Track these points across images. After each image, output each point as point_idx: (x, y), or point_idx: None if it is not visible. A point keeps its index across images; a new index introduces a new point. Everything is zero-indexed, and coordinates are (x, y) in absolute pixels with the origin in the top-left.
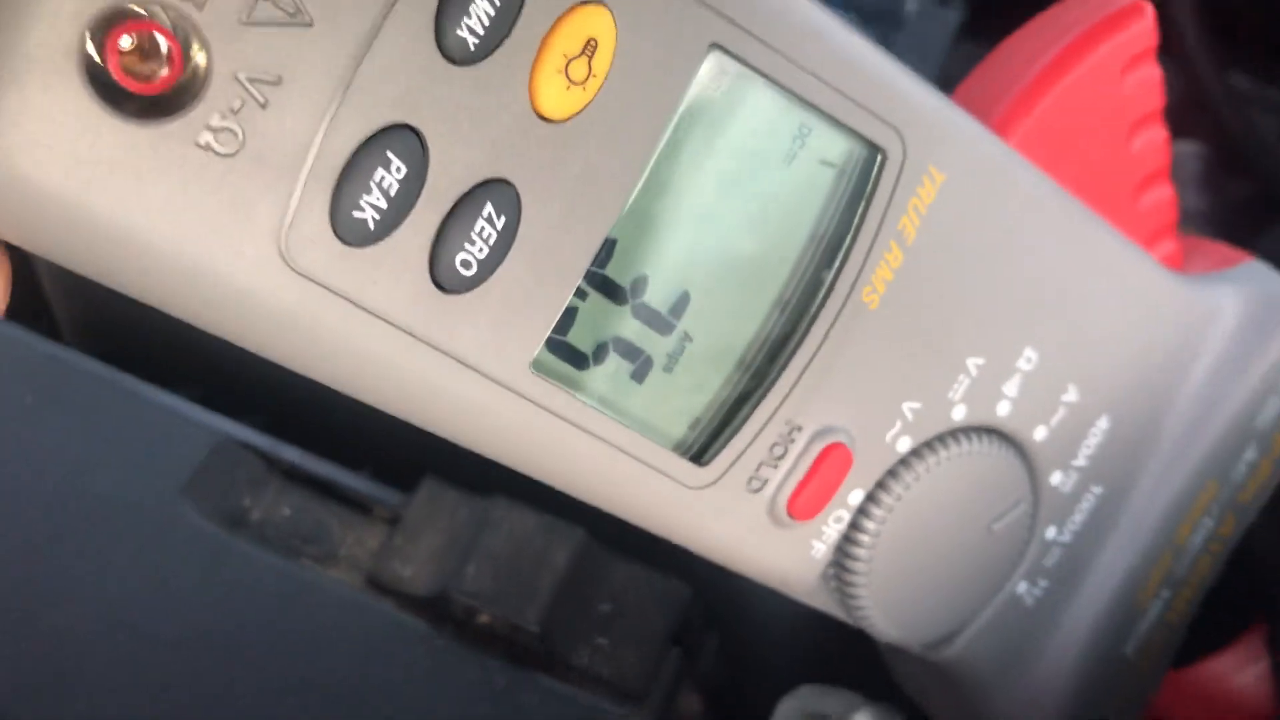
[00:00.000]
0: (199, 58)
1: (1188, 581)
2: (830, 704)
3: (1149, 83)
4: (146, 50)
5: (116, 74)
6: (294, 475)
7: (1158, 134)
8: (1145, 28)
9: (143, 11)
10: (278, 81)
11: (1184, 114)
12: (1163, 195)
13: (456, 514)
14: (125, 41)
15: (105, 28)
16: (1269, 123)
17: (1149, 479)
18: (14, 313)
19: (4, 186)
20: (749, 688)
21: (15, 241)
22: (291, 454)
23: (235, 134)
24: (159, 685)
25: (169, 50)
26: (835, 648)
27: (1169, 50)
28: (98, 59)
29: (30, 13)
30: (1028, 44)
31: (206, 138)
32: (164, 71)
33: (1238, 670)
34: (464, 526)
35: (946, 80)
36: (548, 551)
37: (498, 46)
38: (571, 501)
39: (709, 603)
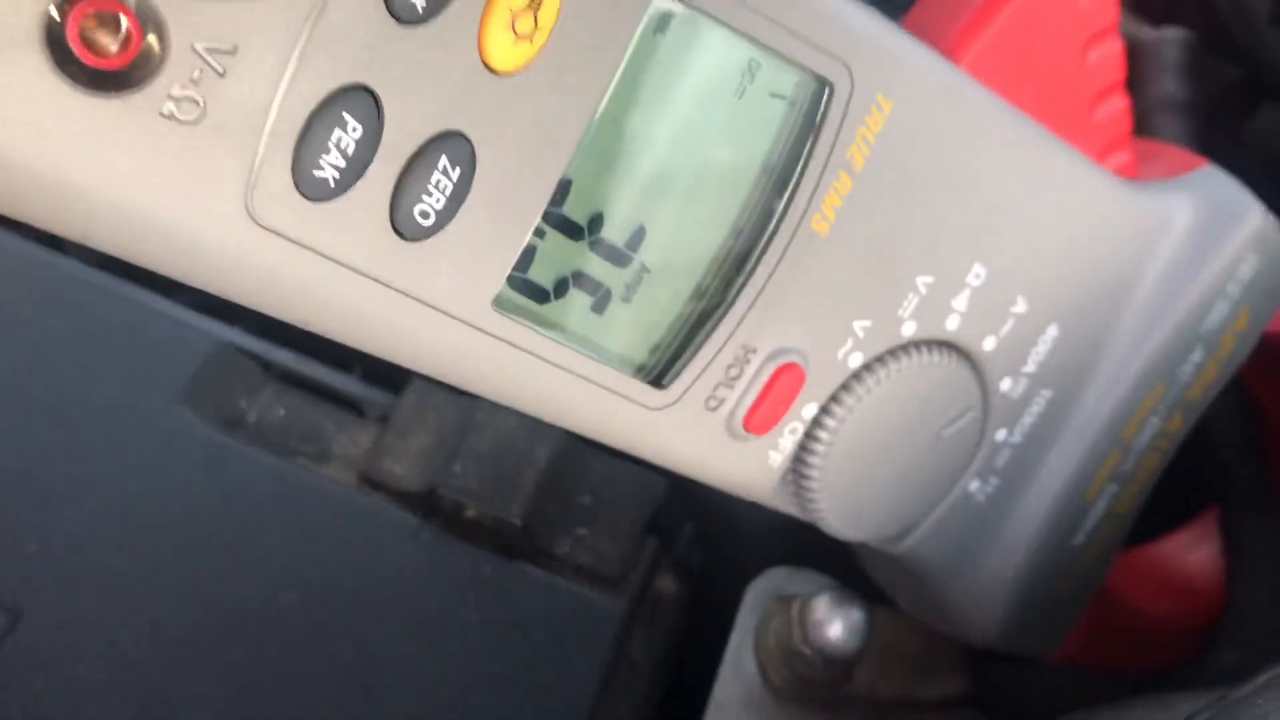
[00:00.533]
0: (156, 31)
1: (1135, 476)
2: (798, 584)
3: None
4: (107, 26)
5: (78, 50)
6: (288, 378)
7: (1113, 47)
8: None
9: None
10: (234, 51)
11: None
12: (1117, 107)
13: (444, 414)
14: (86, 18)
15: (67, 6)
16: (1258, 4)
17: (1097, 382)
18: (14, 222)
19: None
20: (724, 571)
21: (3, 210)
22: (285, 357)
23: (196, 102)
24: (161, 582)
25: (128, 26)
26: (807, 533)
27: None
28: (61, 36)
29: None
30: None
31: (169, 107)
32: (124, 46)
33: (1190, 549)
34: (451, 426)
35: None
36: (529, 449)
37: (445, 6)
38: None
39: (686, 492)
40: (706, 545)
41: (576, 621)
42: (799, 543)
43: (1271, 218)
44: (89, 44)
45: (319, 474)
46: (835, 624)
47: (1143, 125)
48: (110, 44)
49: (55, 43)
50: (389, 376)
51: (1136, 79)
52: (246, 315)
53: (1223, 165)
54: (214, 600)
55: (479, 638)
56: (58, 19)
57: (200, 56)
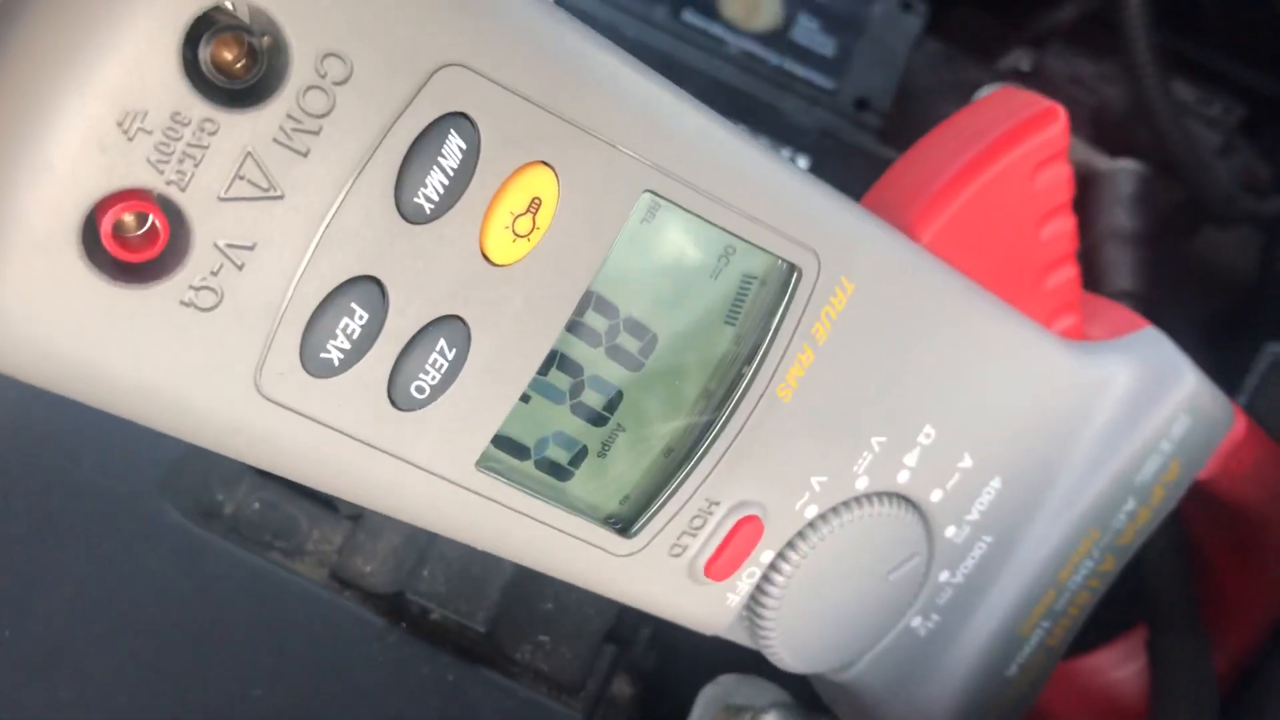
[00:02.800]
0: (181, 229)
1: (1067, 612)
2: (746, 691)
3: (1059, 179)
4: (137, 225)
5: (110, 247)
6: (265, 473)
7: (1065, 223)
8: (1058, 131)
9: (134, 193)
10: (253, 246)
11: (1126, 124)
12: (1067, 275)
13: None
14: (120, 219)
15: (103, 208)
16: (1208, 137)
17: (1035, 529)
18: None
19: (16, 343)
20: (678, 675)
21: (31, 382)
22: None
23: (215, 292)
24: (134, 670)
25: (157, 225)
26: None
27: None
28: (95, 235)
29: (35, 198)
30: (944, 145)
31: (189, 296)
32: (151, 243)
33: (1116, 666)
34: (421, 529)
35: (908, 83)
36: (496, 557)
37: (451, 207)
38: None
39: None
40: (661, 649)
41: None
42: (750, 649)
43: (1204, 381)
44: (120, 241)
45: (291, 570)
46: None
47: (1095, 254)
48: (140, 242)
49: (90, 239)
50: None
51: (1090, 208)
52: None
53: (1167, 281)
54: (183, 692)
55: None
56: (93, 222)
57: (221, 252)
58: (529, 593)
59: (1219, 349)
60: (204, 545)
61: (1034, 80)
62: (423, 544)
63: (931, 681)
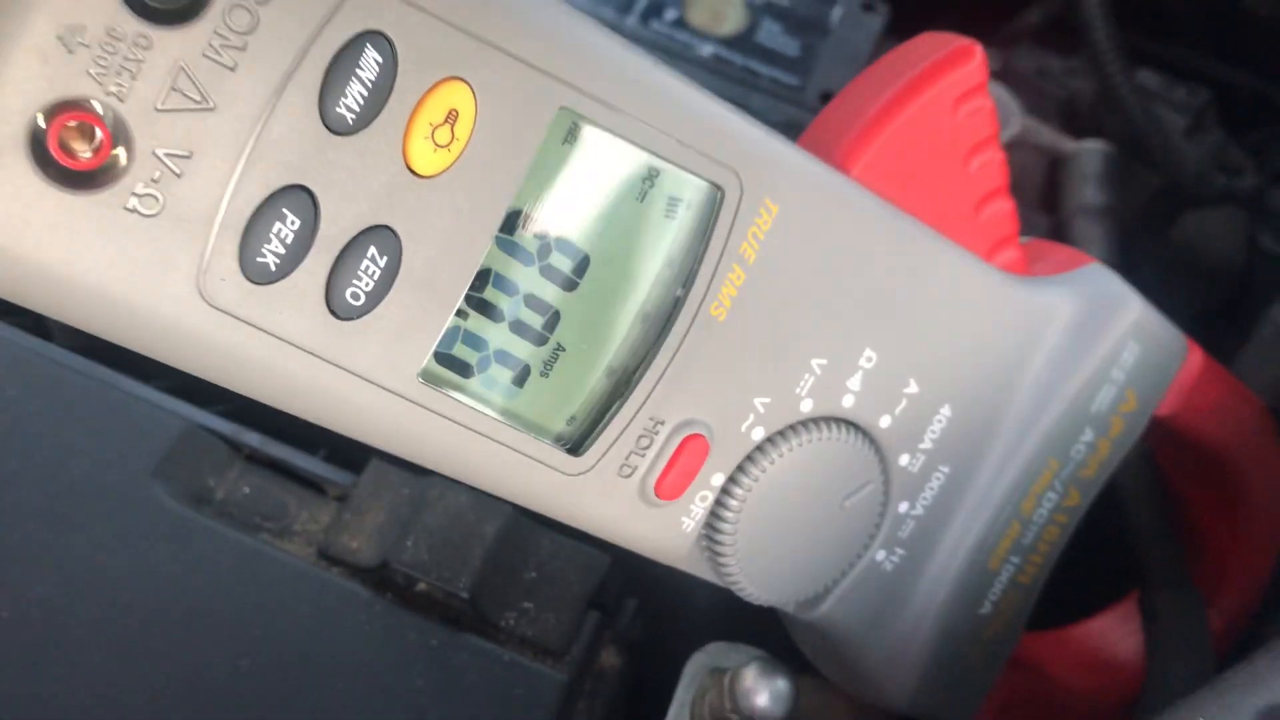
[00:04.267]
0: (124, 139)
1: (1036, 548)
2: (734, 658)
3: (981, 113)
4: (83, 134)
5: (58, 155)
6: (255, 458)
7: (994, 156)
8: (974, 67)
9: (77, 103)
10: (189, 155)
11: (1095, 112)
12: (1002, 209)
13: (398, 492)
14: (66, 129)
15: (49, 118)
16: (1174, 119)
17: (993, 459)
18: (4, 313)
19: None
20: (667, 646)
21: None
22: (252, 439)
23: (156, 199)
24: (128, 645)
25: (99, 134)
26: (744, 611)
27: (1078, 45)
28: (42, 144)
29: None
30: (868, 86)
31: (133, 202)
32: (96, 151)
33: (1112, 631)
34: (405, 504)
35: None
36: (478, 526)
37: (373, 119)
38: None
39: (630, 569)
40: (650, 621)
41: (519, 690)
42: (737, 619)
43: (1151, 309)
44: (66, 149)
45: (280, 548)
46: (762, 692)
47: (1065, 230)
48: (85, 150)
49: (38, 148)
50: (350, 458)
51: (1059, 188)
52: (217, 399)
53: (1150, 269)
54: (177, 665)
55: (426, 704)
56: (42, 127)
57: (160, 161)
58: (512, 560)
59: (1212, 333)
60: (195, 528)
61: (1003, 78)
62: (406, 518)
63: (903, 619)
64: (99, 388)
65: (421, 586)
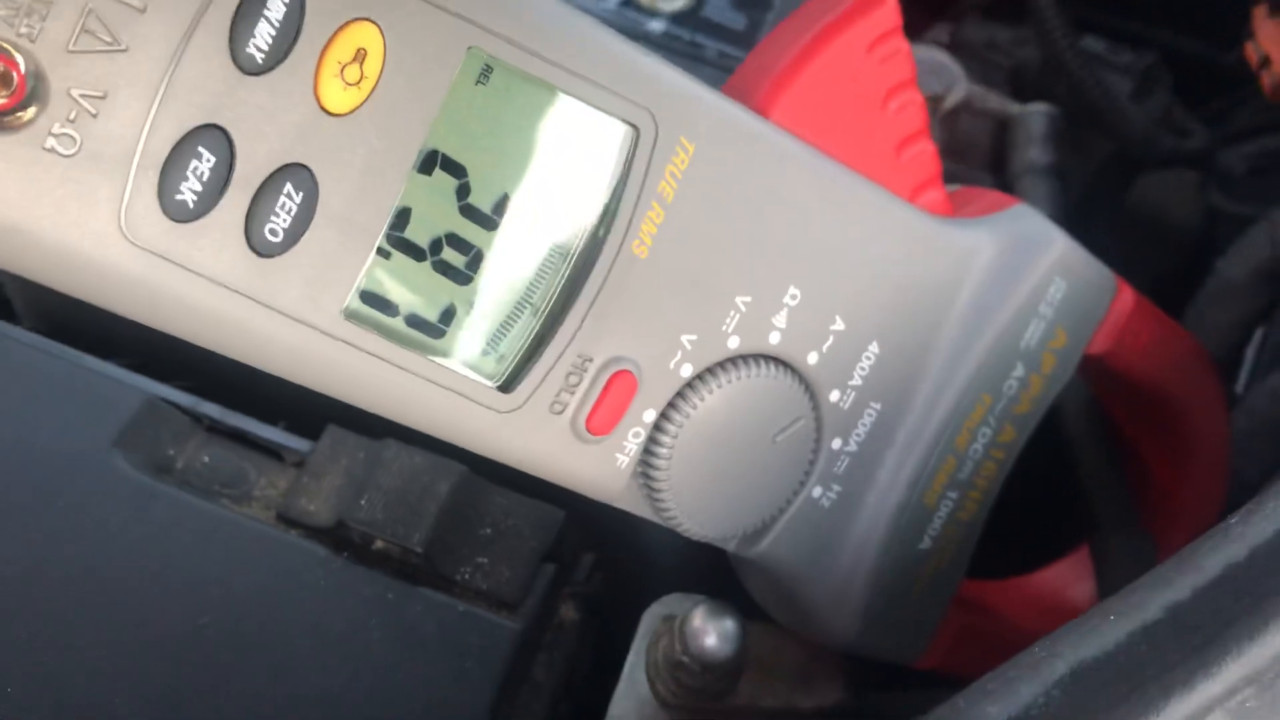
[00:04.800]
0: (38, 79)
1: (974, 483)
2: (686, 607)
3: (896, 56)
4: None
5: None
6: (215, 429)
7: (911, 98)
8: (887, 10)
9: None
10: (104, 95)
11: (1042, 78)
12: (923, 151)
13: (354, 455)
14: None
15: None
16: (1120, 83)
17: (923, 395)
18: None
19: None
20: (626, 599)
21: None
22: (212, 409)
23: (74, 138)
24: (90, 609)
25: (13, 76)
26: (703, 564)
27: (1025, 18)
28: None
29: None
30: (785, 34)
31: (51, 142)
32: (12, 92)
33: (1067, 577)
34: (360, 466)
35: None
36: (433, 485)
37: (283, 59)
38: None
39: (589, 527)
40: (611, 577)
41: (473, 639)
42: (696, 574)
43: (1075, 246)
44: None
45: (240, 513)
46: (710, 633)
47: (1011, 190)
48: (0, 92)
49: None
50: (309, 426)
51: (1007, 149)
52: (181, 375)
53: (1107, 233)
54: (141, 625)
55: (383, 655)
56: None
57: (75, 101)
58: (467, 517)
59: (1174, 296)
60: (157, 495)
61: (953, 49)
62: (361, 479)
63: (842, 554)
64: (62, 366)
65: (378, 544)
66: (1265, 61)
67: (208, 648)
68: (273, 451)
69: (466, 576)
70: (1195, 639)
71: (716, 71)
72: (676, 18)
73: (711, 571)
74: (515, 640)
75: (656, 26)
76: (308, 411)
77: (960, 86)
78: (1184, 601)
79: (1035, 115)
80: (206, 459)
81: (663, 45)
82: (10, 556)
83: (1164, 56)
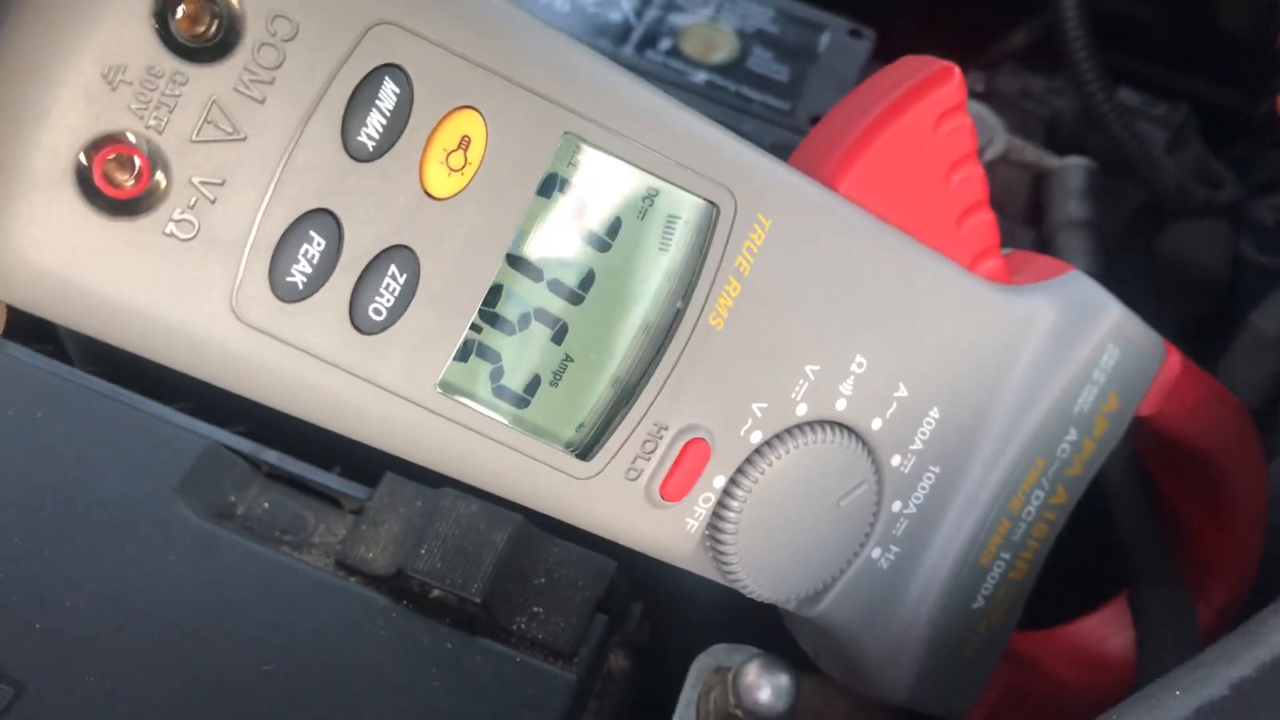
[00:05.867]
0: (163, 169)
1: (1026, 544)
2: (736, 659)
3: (960, 131)
4: (124, 166)
5: (102, 184)
6: (274, 475)
7: (973, 171)
8: (953, 87)
9: (119, 137)
10: (223, 182)
11: (1078, 129)
12: (983, 221)
13: (412, 504)
14: (109, 160)
15: (93, 151)
16: (1155, 135)
17: (981, 459)
18: (27, 339)
19: (19, 271)
20: (672, 649)
21: (32, 310)
22: (271, 456)
23: (192, 224)
24: (155, 653)
25: (140, 165)
26: (747, 613)
27: (1061, 67)
28: (88, 174)
29: (34, 141)
30: (853, 108)
31: (170, 228)
32: (137, 181)
33: (1105, 628)
34: (418, 515)
35: None
36: (490, 534)
37: (391, 146)
38: None
39: (636, 576)
40: (656, 625)
41: (531, 690)
42: (740, 623)
43: (1129, 313)
44: (109, 179)
45: (299, 559)
46: (765, 687)
47: (1050, 244)
48: (126, 179)
49: (84, 179)
50: (366, 473)
51: (1044, 203)
52: (236, 419)
53: (1136, 278)
54: (202, 671)
55: (442, 704)
56: (85, 163)
57: (196, 188)
58: (522, 567)
59: (1198, 340)
60: (218, 541)
61: (987, 98)
62: (420, 527)
63: (899, 614)
64: (123, 410)
65: (436, 593)
66: None
67: (272, 693)
68: (330, 498)
69: (522, 626)
70: (1260, 717)
71: (760, 122)
72: (721, 69)
73: (756, 618)
74: (571, 691)
75: (701, 77)
76: (362, 457)
77: (999, 139)
78: (1249, 678)
79: (1073, 169)
80: (266, 505)
81: (707, 96)
82: (77, 602)
83: (1192, 102)
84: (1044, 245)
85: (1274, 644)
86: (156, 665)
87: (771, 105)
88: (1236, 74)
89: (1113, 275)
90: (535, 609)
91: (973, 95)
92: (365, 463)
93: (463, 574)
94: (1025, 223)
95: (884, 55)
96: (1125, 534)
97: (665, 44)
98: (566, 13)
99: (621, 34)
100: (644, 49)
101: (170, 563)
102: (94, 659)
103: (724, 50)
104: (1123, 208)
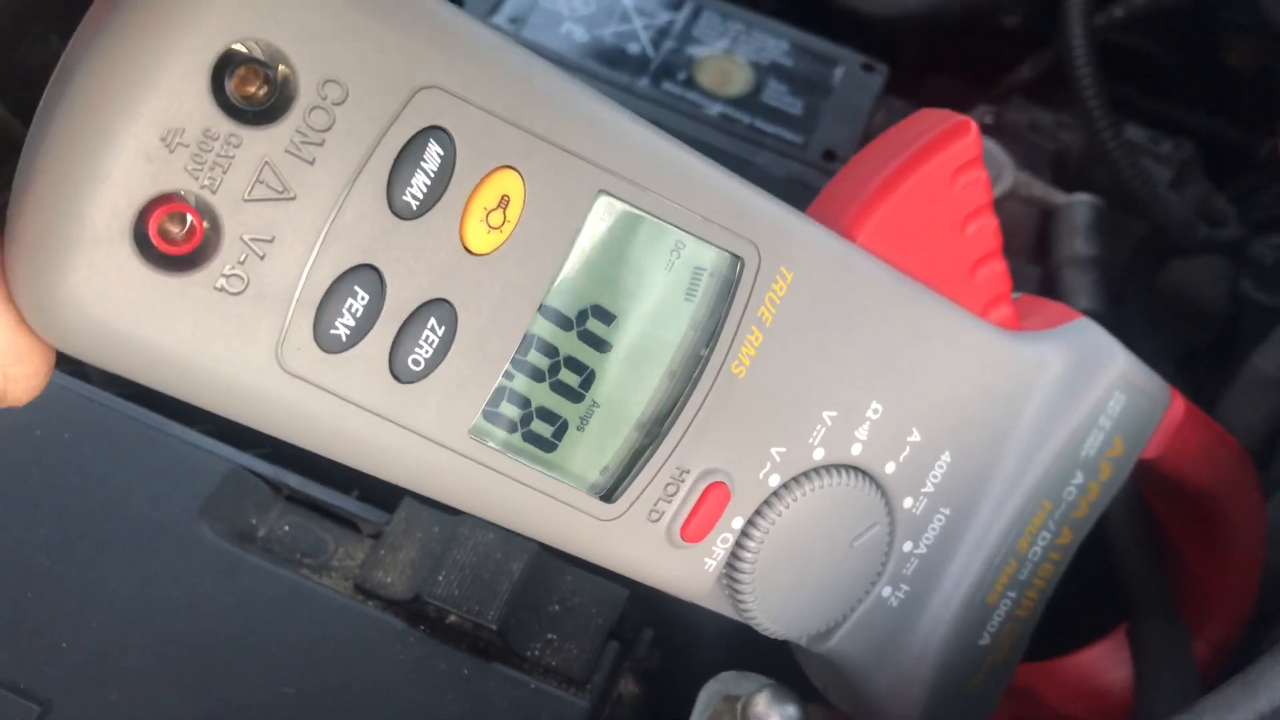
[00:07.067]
0: (214, 226)
1: (1032, 583)
2: (745, 686)
3: (976, 184)
4: (178, 223)
5: (157, 241)
6: (294, 498)
7: (988, 222)
8: (969, 142)
9: (175, 196)
10: (272, 239)
11: (1084, 164)
12: (996, 270)
13: (430, 530)
14: (164, 218)
15: (151, 209)
16: (1160, 172)
17: (990, 501)
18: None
19: (77, 323)
20: (682, 675)
21: (88, 360)
22: (292, 480)
23: (242, 279)
24: (177, 674)
25: (193, 223)
26: (755, 640)
27: (1068, 101)
28: (144, 232)
29: (95, 202)
30: (871, 160)
31: (221, 283)
32: (190, 238)
33: (1103, 660)
34: (436, 541)
35: (873, 134)
36: (505, 563)
37: (434, 205)
38: None
39: (646, 603)
40: (665, 651)
41: (544, 716)
42: (747, 650)
43: (1135, 361)
44: (164, 236)
45: (319, 583)
46: (773, 717)
47: (1055, 280)
48: (180, 236)
49: (140, 235)
50: (383, 497)
51: (1050, 239)
52: (258, 442)
53: (1138, 313)
54: (223, 692)
55: None
56: (142, 221)
57: (246, 245)
58: (537, 595)
59: (1197, 374)
60: (239, 563)
61: (996, 131)
62: (438, 554)
63: (908, 650)
64: (146, 432)
65: (452, 619)
66: None
67: (290, 716)
68: (350, 522)
69: (537, 653)
70: None
71: (773, 155)
72: (736, 101)
73: (765, 646)
74: (583, 717)
75: (717, 110)
76: (380, 481)
77: (1007, 175)
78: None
79: (1080, 206)
80: (287, 528)
81: (721, 128)
82: (100, 622)
83: (1196, 137)
84: (1049, 280)
85: (1274, 694)
86: (179, 684)
87: (785, 138)
88: (1241, 110)
89: (1113, 305)
90: (549, 636)
91: (982, 129)
92: (382, 488)
93: (479, 601)
94: (1031, 257)
95: (895, 89)
96: (1126, 571)
97: (681, 75)
98: (585, 43)
99: (638, 65)
100: (660, 80)
101: (193, 584)
102: (118, 678)
103: (739, 83)
104: (1126, 240)
